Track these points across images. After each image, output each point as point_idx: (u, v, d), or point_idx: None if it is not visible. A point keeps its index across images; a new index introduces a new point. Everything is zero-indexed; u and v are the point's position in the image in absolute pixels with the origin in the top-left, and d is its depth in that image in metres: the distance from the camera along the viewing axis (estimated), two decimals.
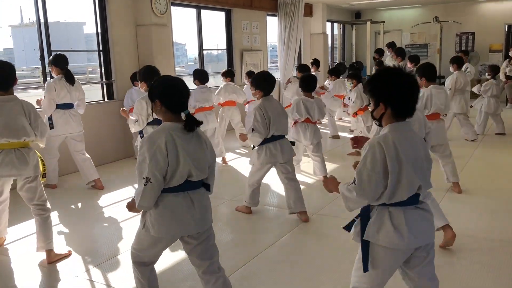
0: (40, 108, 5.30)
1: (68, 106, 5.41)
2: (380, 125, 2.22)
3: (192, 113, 6.21)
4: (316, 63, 9.51)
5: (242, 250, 3.76)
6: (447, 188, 5.09)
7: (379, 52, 10.50)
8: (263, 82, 4.26)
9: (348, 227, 2.40)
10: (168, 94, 2.44)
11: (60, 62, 5.32)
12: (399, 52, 9.24)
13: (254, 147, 4.33)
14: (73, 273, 3.45)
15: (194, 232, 2.51)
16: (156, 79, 2.61)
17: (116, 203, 5.10)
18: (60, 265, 3.58)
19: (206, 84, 6.58)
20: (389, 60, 10.00)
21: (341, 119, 10.00)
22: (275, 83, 4.37)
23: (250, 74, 8.04)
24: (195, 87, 6.53)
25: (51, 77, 5.47)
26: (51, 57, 5.45)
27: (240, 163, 6.78)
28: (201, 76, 6.54)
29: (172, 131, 2.38)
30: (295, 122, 5.46)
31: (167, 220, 2.43)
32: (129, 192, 5.43)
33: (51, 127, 5.26)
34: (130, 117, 4.64)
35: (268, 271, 3.41)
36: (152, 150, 2.33)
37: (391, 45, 10.15)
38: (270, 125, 4.17)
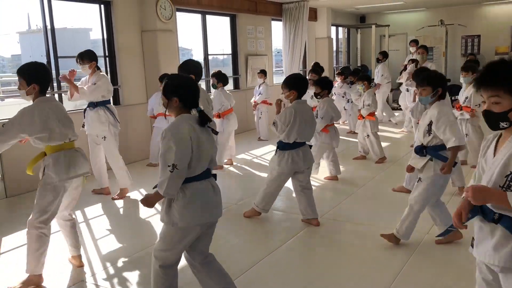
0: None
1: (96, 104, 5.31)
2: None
3: (216, 115, 6.31)
4: (314, 71, 7.95)
5: (248, 254, 3.76)
6: (453, 192, 5.09)
7: (384, 54, 10.41)
8: (298, 83, 4.23)
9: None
10: (186, 92, 2.58)
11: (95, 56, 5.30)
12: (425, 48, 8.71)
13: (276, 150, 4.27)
14: (79, 277, 3.47)
15: (220, 217, 2.69)
16: (170, 78, 2.68)
17: (120, 208, 5.12)
18: (65, 271, 3.59)
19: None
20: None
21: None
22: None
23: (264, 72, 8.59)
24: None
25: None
26: (84, 53, 5.21)
27: (243, 168, 6.78)
28: (225, 79, 6.72)
29: (191, 122, 2.54)
30: (329, 126, 5.64)
31: (197, 207, 2.55)
32: (133, 195, 5.46)
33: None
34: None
35: (273, 275, 3.41)
36: (177, 138, 2.46)
37: (415, 41, 9.83)
38: (295, 130, 4.10)
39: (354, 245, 3.87)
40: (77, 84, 5.24)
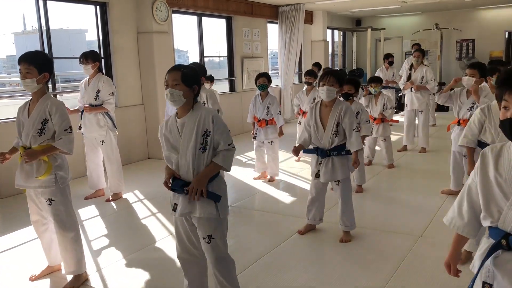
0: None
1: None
2: None
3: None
4: (310, 73, 7.03)
5: (240, 256, 3.76)
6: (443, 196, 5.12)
7: (388, 57, 10.26)
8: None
9: None
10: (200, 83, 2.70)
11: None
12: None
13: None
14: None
15: None
16: (191, 67, 2.67)
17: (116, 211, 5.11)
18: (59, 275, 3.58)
19: None
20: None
21: None
22: None
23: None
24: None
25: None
26: (89, 53, 5.19)
27: (239, 170, 6.78)
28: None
29: None
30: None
31: (226, 195, 2.69)
32: (128, 197, 5.46)
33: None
34: None
35: (265, 277, 3.41)
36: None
37: (417, 44, 9.70)
38: None
39: (345, 247, 3.88)
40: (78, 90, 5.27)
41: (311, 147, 3.99)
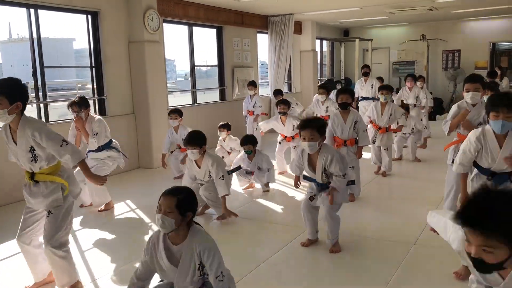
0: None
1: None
2: None
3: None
4: (284, 102, 6.94)
5: (235, 266, 3.75)
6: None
7: (362, 68, 10.30)
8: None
9: None
10: None
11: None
12: None
13: None
14: None
15: None
16: (187, 192, 2.57)
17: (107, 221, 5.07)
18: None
19: None
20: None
21: None
22: None
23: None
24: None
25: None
26: (82, 100, 5.07)
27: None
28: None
29: None
30: None
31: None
32: (119, 206, 5.42)
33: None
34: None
35: (260, 287, 3.41)
36: None
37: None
38: None
39: (341, 257, 3.90)
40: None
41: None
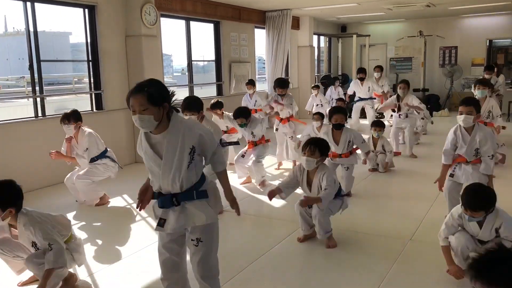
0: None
1: None
2: None
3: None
4: (280, 84, 6.95)
5: (232, 261, 3.77)
6: (434, 197, 5.19)
7: (359, 73, 10.33)
8: None
9: None
10: None
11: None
12: None
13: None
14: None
15: None
16: (154, 83, 2.50)
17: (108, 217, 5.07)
18: None
19: None
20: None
21: None
22: None
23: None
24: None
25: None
26: (70, 114, 5.11)
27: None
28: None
29: None
30: None
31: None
32: (116, 201, 5.41)
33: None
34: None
35: (257, 282, 3.42)
36: None
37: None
38: None
39: (336, 251, 3.91)
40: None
41: None
